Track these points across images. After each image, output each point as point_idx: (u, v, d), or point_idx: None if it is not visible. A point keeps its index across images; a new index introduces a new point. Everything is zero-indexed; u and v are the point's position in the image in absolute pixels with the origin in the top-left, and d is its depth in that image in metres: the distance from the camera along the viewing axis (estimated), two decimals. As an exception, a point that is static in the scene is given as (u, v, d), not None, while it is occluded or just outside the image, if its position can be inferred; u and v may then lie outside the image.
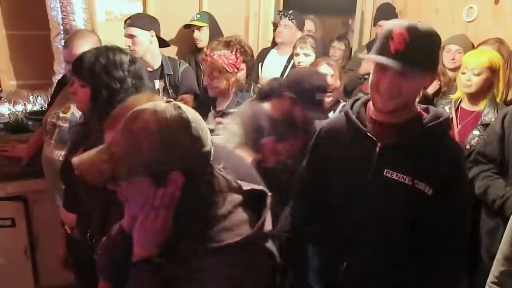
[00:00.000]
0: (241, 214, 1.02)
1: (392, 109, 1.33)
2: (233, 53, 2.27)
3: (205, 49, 2.77)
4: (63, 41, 2.77)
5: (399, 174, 1.36)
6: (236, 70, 2.32)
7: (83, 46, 1.98)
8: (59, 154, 2.12)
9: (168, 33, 3.02)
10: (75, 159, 0.97)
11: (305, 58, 2.95)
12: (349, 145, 1.46)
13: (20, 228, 2.59)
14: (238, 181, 1.09)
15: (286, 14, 3.38)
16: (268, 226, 1.06)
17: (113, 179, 0.95)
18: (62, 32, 2.78)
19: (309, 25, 3.95)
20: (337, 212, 1.50)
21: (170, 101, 0.98)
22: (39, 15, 2.89)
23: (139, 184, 0.96)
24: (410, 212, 1.39)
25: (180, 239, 0.98)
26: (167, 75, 2.73)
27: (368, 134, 1.41)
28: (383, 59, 1.27)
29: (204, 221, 0.98)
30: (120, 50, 1.60)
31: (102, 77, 1.52)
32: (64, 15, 2.74)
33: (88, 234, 1.60)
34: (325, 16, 4.18)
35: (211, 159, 1.01)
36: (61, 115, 2.16)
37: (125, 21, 2.69)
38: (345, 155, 1.47)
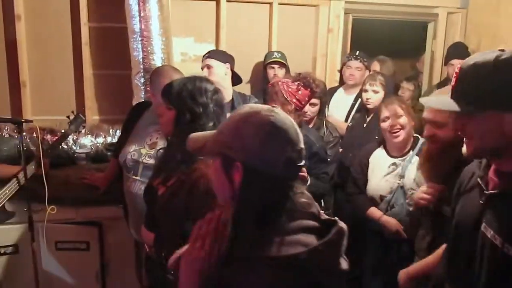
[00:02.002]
0: (309, 238, 0.98)
1: (472, 153, 1.19)
2: (295, 83, 2.32)
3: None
4: (142, 79, 3.00)
5: (492, 232, 1.14)
6: (295, 101, 2.34)
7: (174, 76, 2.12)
8: None
9: (239, 70, 3.15)
10: (193, 135, 1.17)
11: (374, 95, 2.94)
12: (467, 191, 1.33)
13: (93, 252, 2.72)
14: (319, 210, 1.07)
15: (357, 56, 3.41)
16: (343, 265, 1.00)
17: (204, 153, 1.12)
18: (142, 71, 2.99)
19: (376, 66, 3.96)
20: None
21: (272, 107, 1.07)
22: (122, 56, 3.15)
23: (216, 165, 1.06)
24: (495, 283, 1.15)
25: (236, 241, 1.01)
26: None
27: (478, 180, 1.24)
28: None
29: (268, 230, 0.98)
30: (206, 80, 1.76)
31: (187, 101, 1.66)
32: (145, 55, 2.96)
33: (163, 254, 1.66)
34: (394, 58, 4.16)
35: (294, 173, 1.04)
36: (145, 152, 2.26)
37: (204, 55, 2.86)
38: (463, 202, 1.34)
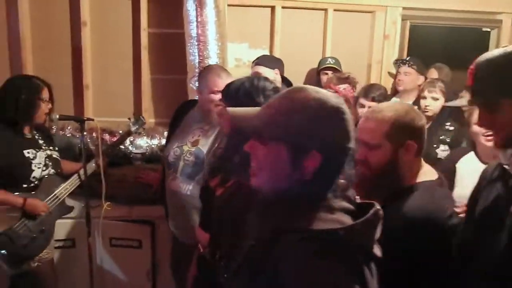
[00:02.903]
0: (346, 218, 0.98)
1: (499, 143, 1.21)
2: (351, 88, 2.29)
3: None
4: (197, 83, 3.06)
5: None
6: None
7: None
8: (187, 189, 2.22)
9: (292, 76, 3.16)
10: (232, 108, 1.07)
11: (433, 102, 2.83)
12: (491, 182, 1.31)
13: (145, 250, 2.79)
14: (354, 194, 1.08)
15: (404, 61, 3.33)
16: (377, 251, 0.99)
17: (256, 134, 1.00)
18: (197, 75, 3.05)
19: (433, 73, 3.83)
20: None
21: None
22: (178, 61, 3.24)
23: (277, 151, 0.98)
24: None
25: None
26: None
27: (506, 167, 1.25)
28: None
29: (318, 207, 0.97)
30: (265, 79, 1.71)
31: (243, 100, 1.61)
32: (200, 59, 3.03)
33: (217, 256, 1.66)
34: (453, 67, 4.00)
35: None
36: (187, 148, 2.28)
37: (253, 61, 2.89)
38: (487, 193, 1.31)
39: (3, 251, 2.28)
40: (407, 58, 3.36)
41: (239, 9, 3.39)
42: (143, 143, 3.13)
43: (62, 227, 2.68)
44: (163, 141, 3.16)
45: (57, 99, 2.52)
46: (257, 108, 1.05)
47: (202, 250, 1.80)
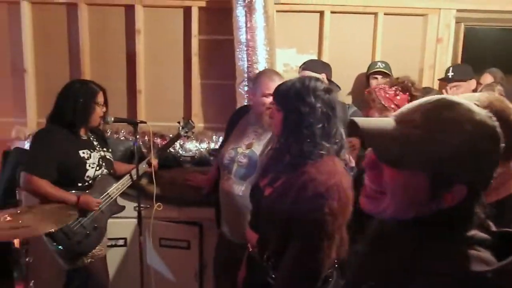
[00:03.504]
0: (486, 254, 0.83)
1: None
2: (393, 88, 2.21)
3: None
4: (246, 88, 3.10)
5: None
6: (394, 106, 2.23)
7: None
8: (239, 190, 2.24)
9: (340, 81, 3.13)
10: (362, 120, 0.87)
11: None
12: None
13: (193, 251, 2.83)
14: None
15: (447, 78, 3.21)
16: None
17: (393, 161, 0.83)
18: (245, 80, 3.10)
19: (488, 78, 3.67)
20: None
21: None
22: (227, 67, 3.30)
23: (412, 179, 0.82)
24: None
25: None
26: None
27: None
28: None
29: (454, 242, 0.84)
30: (317, 79, 1.68)
31: (293, 101, 1.60)
32: (249, 64, 3.07)
33: (265, 256, 1.66)
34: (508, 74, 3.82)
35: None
36: (241, 151, 2.31)
37: (300, 66, 2.89)
38: None
39: (60, 247, 2.40)
40: (449, 75, 3.23)
41: (288, 15, 3.40)
42: (192, 147, 3.19)
43: (115, 226, 2.77)
44: (212, 145, 3.22)
45: (112, 103, 2.63)
46: (390, 120, 0.87)
47: (252, 250, 1.80)
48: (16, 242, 2.87)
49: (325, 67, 2.98)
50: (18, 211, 1.94)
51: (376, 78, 3.20)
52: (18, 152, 3.13)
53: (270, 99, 2.12)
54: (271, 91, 2.06)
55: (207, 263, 2.84)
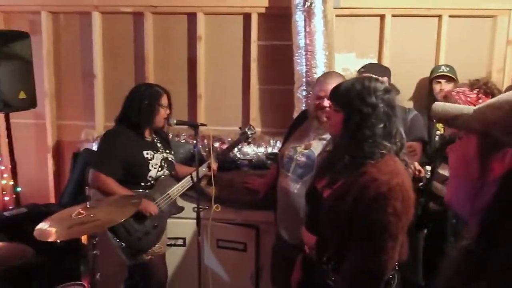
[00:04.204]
0: None
1: None
2: (474, 91, 2.09)
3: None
4: (304, 92, 3.11)
5: None
6: None
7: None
8: (295, 187, 2.25)
9: (401, 85, 3.05)
10: (438, 104, 0.91)
11: None
12: None
13: (250, 253, 2.85)
14: None
15: None
16: None
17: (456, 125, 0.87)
18: (304, 84, 3.10)
19: None
20: None
21: None
22: (285, 72, 3.33)
23: (467, 145, 0.86)
24: None
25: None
26: None
27: None
28: None
29: None
30: (376, 79, 1.66)
31: (355, 102, 1.58)
32: (308, 68, 3.07)
33: (324, 258, 1.65)
34: None
35: None
36: (300, 150, 2.32)
37: (359, 69, 2.85)
38: None
39: (122, 243, 2.50)
40: None
41: (347, 19, 3.38)
42: (250, 151, 3.23)
43: (175, 226, 2.85)
44: (270, 149, 3.24)
45: (174, 107, 2.72)
46: (467, 106, 0.88)
47: (308, 252, 1.78)
48: (84, 237, 3.04)
49: (385, 71, 2.92)
50: (88, 205, 2.04)
51: (440, 82, 3.09)
52: (86, 153, 3.31)
53: (324, 102, 2.14)
54: (325, 93, 2.08)
55: (263, 266, 2.84)
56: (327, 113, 1.76)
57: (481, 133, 0.82)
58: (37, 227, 1.95)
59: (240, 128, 2.95)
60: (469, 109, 0.87)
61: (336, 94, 1.68)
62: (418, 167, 2.51)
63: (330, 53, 3.12)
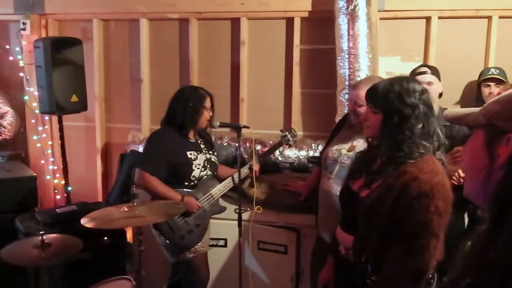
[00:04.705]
0: None
1: None
2: None
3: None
4: (347, 95, 3.08)
5: None
6: None
7: None
8: (337, 189, 2.24)
9: (448, 88, 2.99)
10: (449, 110, 1.02)
11: None
12: None
13: (291, 256, 2.85)
14: None
15: None
16: None
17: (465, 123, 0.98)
18: (346, 87, 3.08)
19: None
20: None
21: None
22: (327, 76, 3.33)
23: (476, 138, 0.92)
24: None
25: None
26: (444, 125, 2.66)
27: None
28: None
29: None
30: (413, 80, 1.67)
31: (394, 103, 1.59)
32: (351, 71, 3.05)
33: (363, 258, 1.64)
34: None
35: None
36: (344, 152, 2.33)
37: (417, 71, 2.78)
38: None
39: (167, 241, 2.57)
40: None
41: (391, 22, 3.33)
42: (292, 154, 3.24)
43: (217, 227, 2.90)
44: (311, 153, 3.24)
45: (217, 110, 2.79)
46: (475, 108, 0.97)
47: (344, 252, 1.78)
48: (129, 236, 3.14)
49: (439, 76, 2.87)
50: (134, 204, 2.12)
51: (489, 85, 2.99)
52: (133, 154, 3.43)
53: (359, 107, 2.16)
54: (358, 98, 2.13)
55: (304, 269, 2.84)
56: (363, 115, 1.76)
57: (487, 125, 0.90)
58: (83, 218, 2.05)
59: (281, 131, 2.97)
60: (476, 109, 0.96)
61: (374, 95, 1.68)
62: (462, 174, 2.44)
63: (373, 56, 3.09)
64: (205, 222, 2.69)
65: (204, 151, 2.72)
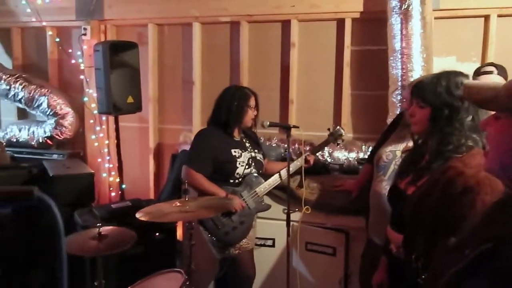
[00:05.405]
0: None
1: None
2: None
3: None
4: (399, 96, 3.02)
5: None
6: None
7: None
8: None
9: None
10: (471, 83, 1.00)
11: None
12: None
13: (339, 258, 2.81)
14: None
15: None
16: None
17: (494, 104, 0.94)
18: (399, 88, 3.02)
19: None
20: None
21: None
22: (378, 77, 3.28)
23: (504, 125, 0.91)
24: None
25: None
26: None
27: None
28: None
29: None
30: (461, 73, 1.66)
31: (443, 96, 1.59)
32: (404, 72, 2.99)
33: (413, 257, 1.60)
34: None
35: None
36: (399, 154, 2.27)
37: (478, 70, 2.68)
38: None
39: (213, 237, 2.62)
40: None
41: (446, 22, 3.23)
42: (341, 156, 3.21)
43: (264, 227, 2.91)
44: (361, 155, 3.19)
45: (266, 111, 2.83)
46: (500, 84, 0.95)
47: (395, 250, 1.75)
48: (179, 234, 3.22)
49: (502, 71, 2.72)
50: (186, 199, 2.18)
51: None
52: (183, 154, 3.51)
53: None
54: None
55: (352, 272, 2.79)
56: (410, 111, 1.74)
57: None
58: (138, 212, 2.13)
59: (328, 129, 2.94)
60: (499, 85, 0.92)
61: (421, 90, 1.67)
62: None
63: (428, 56, 3.01)
64: (250, 219, 2.72)
65: (249, 150, 2.76)
